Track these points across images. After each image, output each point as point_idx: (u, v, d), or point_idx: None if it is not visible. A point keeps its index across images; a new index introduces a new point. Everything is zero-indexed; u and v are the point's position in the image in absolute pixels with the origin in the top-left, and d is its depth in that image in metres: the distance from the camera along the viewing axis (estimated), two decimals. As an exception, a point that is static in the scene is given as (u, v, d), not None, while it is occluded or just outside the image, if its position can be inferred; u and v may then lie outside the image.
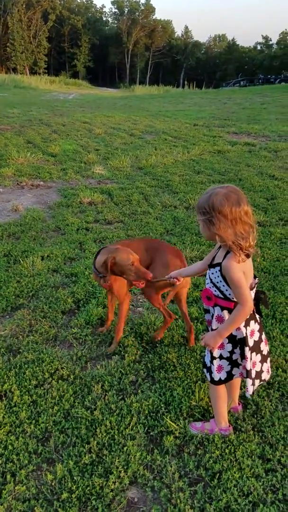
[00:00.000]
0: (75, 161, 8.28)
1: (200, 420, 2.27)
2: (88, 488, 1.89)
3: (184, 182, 6.94)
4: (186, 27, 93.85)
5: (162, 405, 2.36)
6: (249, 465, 2.01)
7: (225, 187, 1.83)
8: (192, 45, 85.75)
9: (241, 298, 1.86)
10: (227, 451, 2.08)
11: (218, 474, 1.97)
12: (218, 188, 1.84)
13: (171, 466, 2.01)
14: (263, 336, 2.09)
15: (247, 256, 1.87)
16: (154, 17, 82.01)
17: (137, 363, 2.73)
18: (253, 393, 2.06)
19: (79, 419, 2.28)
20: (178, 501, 1.85)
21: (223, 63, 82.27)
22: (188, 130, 12.03)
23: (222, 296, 1.96)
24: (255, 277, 2.01)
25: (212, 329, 2.00)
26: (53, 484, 1.93)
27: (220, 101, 20.69)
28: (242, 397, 2.43)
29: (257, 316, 2.05)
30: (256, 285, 2.02)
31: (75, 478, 1.94)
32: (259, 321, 2.05)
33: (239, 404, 2.35)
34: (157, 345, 2.91)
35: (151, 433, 2.21)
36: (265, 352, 2.09)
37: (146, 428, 2.23)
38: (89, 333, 3.04)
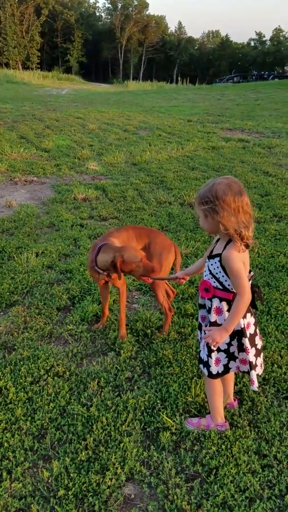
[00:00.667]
0: (69, 157, 8.23)
1: (196, 416, 2.27)
2: (85, 485, 1.89)
3: (179, 178, 6.92)
4: (180, 23, 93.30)
5: (158, 401, 2.36)
6: (246, 461, 2.02)
7: (226, 178, 1.88)
8: (186, 41, 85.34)
9: (240, 288, 1.87)
10: (223, 447, 2.08)
11: (214, 470, 1.97)
12: (220, 178, 1.88)
13: (167, 462, 2.01)
14: (258, 330, 2.10)
15: (247, 246, 1.90)
16: (147, 13, 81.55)
17: (133, 360, 2.73)
18: (258, 386, 2.06)
19: (75, 415, 2.27)
20: (175, 497, 1.85)
21: (217, 59, 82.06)
22: (182, 126, 12.00)
23: (221, 287, 1.97)
24: (249, 271, 2.03)
25: (209, 322, 2.01)
26: (49, 481, 1.92)
27: (214, 97, 20.65)
28: (238, 392, 2.44)
29: (252, 310, 2.06)
30: (251, 279, 2.03)
31: (71, 475, 1.93)
32: (254, 315, 2.07)
33: (234, 400, 2.36)
34: (153, 341, 2.91)
35: (148, 429, 2.21)
36: (259, 346, 2.10)
37: (143, 425, 2.23)
38: (84, 329, 3.03)
